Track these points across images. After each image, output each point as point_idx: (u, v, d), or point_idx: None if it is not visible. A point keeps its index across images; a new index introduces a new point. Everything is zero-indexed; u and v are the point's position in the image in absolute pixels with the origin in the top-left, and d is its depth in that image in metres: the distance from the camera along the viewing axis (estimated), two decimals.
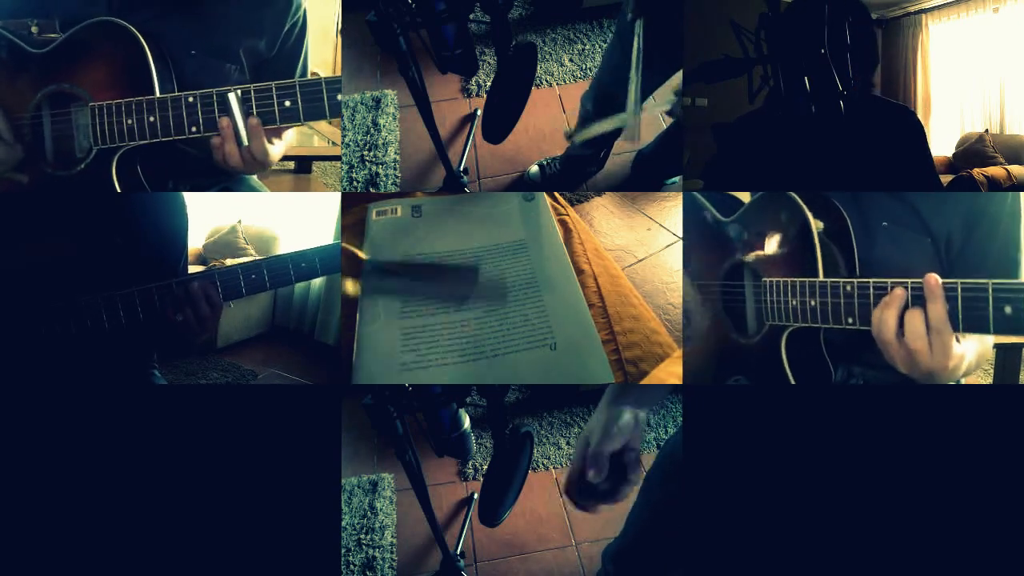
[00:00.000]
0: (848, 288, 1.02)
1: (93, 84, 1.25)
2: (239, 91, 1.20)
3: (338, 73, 2.20)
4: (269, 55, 1.40)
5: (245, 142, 1.21)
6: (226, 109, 1.20)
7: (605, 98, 1.66)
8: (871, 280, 1.00)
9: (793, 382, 1.15)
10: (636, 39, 1.33)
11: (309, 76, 1.47)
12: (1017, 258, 1.14)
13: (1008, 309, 0.87)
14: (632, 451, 1.11)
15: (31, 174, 1.29)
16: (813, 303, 1.07)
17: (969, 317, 0.91)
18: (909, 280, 0.96)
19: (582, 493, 1.11)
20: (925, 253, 1.16)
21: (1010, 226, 1.14)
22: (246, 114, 1.21)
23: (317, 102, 1.21)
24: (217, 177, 1.44)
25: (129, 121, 1.23)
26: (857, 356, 1.23)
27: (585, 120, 1.71)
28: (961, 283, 0.91)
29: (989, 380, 1.83)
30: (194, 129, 1.22)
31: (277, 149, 1.31)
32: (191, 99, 1.21)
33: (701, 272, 1.32)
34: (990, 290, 0.88)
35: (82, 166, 1.27)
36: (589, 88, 1.78)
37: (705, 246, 1.31)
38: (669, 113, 1.37)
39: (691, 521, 1.28)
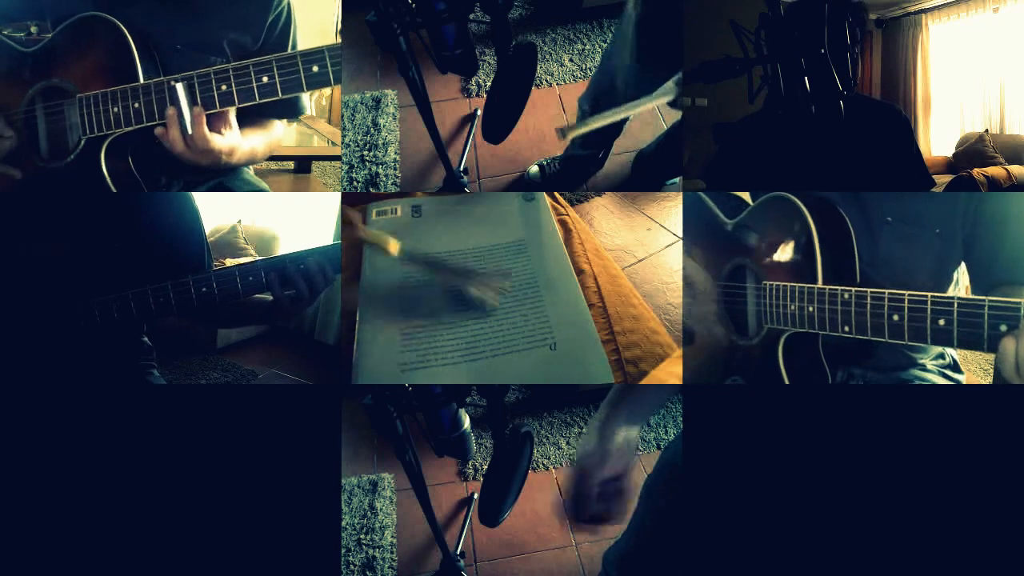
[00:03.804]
0: (846, 296, 1.02)
1: (81, 77, 1.28)
2: (186, 82, 1.23)
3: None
4: (254, 48, 1.40)
5: (189, 131, 1.24)
6: (174, 99, 1.23)
7: (602, 98, 1.66)
8: (868, 290, 0.99)
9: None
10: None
11: None
12: None
13: (1003, 328, 0.86)
14: (625, 476, 1.16)
15: (23, 169, 1.31)
16: (811, 309, 1.07)
17: (963, 334, 0.89)
18: (906, 292, 0.94)
19: (579, 511, 1.18)
20: (929, 249, 1.15)
21: (1020, 228, 1.12)
22: (191, 104, 1.23)
23: (293, 75, 1.22)
24: (208, 173, 1.44)
25: (115, 109, 1.25)
26: (858, 359, 1.22)
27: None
28: (957, 299, 0.89)
29: (989, 380, 1.83)
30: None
31: (225, 140, 1.31)
32: (173, 83, 1.23)
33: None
34: (986, 308, 0.87)
35: (71, 156, 1.29)
36: (586, 89, 1.78)
37: (709, 246, 1.31)
38: (673, 104, 1.36)
39: (693, 524, 1.28)
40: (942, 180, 1.86)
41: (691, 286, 1.32)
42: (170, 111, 1.24)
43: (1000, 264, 1.13)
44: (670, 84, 1.26)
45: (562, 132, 1.36)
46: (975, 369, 1.98)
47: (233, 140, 1.32)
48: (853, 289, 1.01)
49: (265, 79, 1.22)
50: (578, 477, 1.18)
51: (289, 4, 1.44)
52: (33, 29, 1.30)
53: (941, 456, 1.24)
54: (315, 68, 1.21)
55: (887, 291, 0.96)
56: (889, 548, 1.24)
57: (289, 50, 1.45)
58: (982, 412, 1.24)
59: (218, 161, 1.32)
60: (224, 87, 1.23)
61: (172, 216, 1.35)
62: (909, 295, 0.94)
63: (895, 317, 0.95)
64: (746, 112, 1.30)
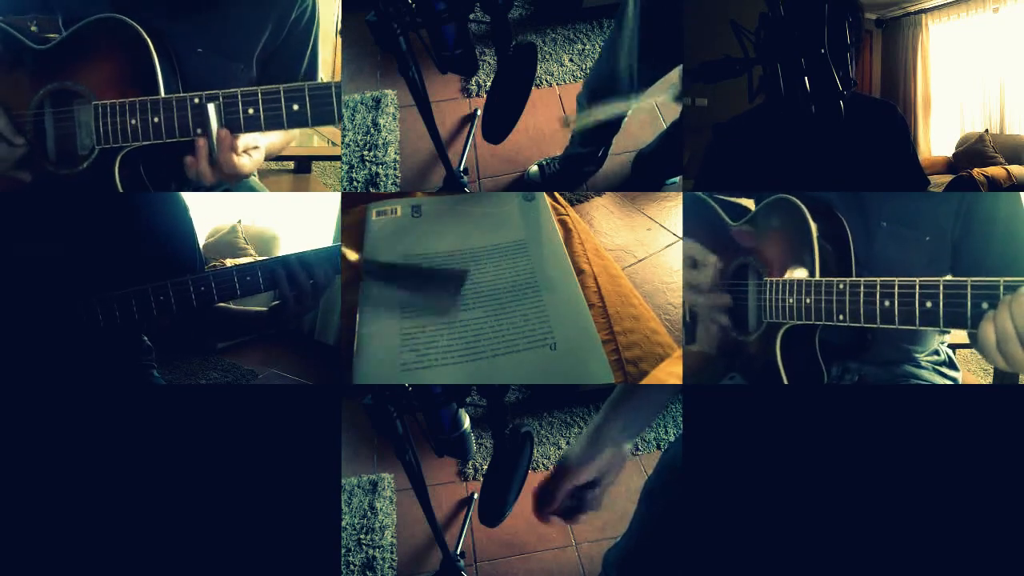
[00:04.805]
0: (840, 287, 1.06)
1: (96, 82, 1.24)
2: (215, 103, 1.17)
3: (338, 73, 2.19)
4: (275, 44, 1.37)
5: (216, 155, 1.20)
6: (205, 124, 1.18)
7: (599, 94, 1.66)
8: (861, 280, 1.04)
9: (785, 379, 1.17)
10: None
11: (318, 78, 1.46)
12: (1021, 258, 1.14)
13: (985, 305, 0.90)
14: (599, 486, 1.19)
15: (33, 173, 1.27)
16: (808, 301, 1.11)
17: (948, 314, 0.94)
18: (896, 279, 0.98)
19: (543, 505, 1.20)
20: (923, 251, 1.18)
21: (1010, 227, 1.15)
22: (219, 125, 1.18)
23: (326, 107, 1.18)
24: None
25: (133, 121, 1.21)
26: (853, 355, 1.23)
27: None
28: (943, 282, 0.94)
29: (989, 380, 1.83)
30: (199, 131, 1.20)
31: (251, 161, 1.26)
32: (197, 100, 1.19)
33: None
34: (968, 288, 0.91)
35: (84, 165, 1.25)
36: (583, 86, 1.78)
37: (713, 244, 1.32)
38: (677, 99, 1.37)
39: (693, 525, 1.28)
40: (942, 180, 1.86)
41: (695, 272, 1.32)
42: (200, 143, 1.18)
43: (989, 261, 1.15)
44: (672, 79, 1.27)
45: (566, 121, 1.36)
46: (975, 368, 1.98)
47: (259, 157, 1.28)
48: (848, 279, 1.06)
49: (296, 107, 1.17)
50: (556, 473, 1.20)
51: (314, 2, 1.39)
52: (33, 28, 1.27)
53: (941, 456, 1.24)
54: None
55: (879, 279, 1.01)
56: (889, 548, 1.24)
57: (309, 49, 1.42)
58: (981, 412, 1.24)
59: (242, 179, 1.28)
60: (251, 110, 1.18)
61: (162, 216, 1.32)
62: (899, 281, 0.98)
63: (886, 303, 1.00)
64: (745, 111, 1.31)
